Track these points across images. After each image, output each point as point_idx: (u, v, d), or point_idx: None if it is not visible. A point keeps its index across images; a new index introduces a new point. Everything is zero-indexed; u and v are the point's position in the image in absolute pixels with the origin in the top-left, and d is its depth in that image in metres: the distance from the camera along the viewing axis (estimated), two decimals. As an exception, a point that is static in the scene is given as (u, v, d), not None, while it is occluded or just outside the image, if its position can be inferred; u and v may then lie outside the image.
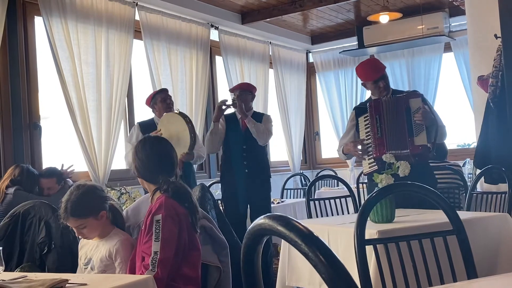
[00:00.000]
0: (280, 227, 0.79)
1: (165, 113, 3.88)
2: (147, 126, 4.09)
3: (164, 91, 4.24)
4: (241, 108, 4.22)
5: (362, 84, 3.53)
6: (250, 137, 4.23)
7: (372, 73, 3.43)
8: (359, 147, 3.29)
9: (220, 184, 4.38)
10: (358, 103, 7.35)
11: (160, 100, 4.15)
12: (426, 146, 3.13)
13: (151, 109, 4.18)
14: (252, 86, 4.51)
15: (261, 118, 4.37)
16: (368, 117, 3.27)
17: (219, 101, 4.43)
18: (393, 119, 3.21)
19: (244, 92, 4.31)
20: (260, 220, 0.85)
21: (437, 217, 2.32)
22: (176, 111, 3.77)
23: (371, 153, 3.22)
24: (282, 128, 7.22)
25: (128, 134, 4.37)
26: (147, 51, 5.16)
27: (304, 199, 4.53)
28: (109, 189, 3.30)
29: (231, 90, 4.41)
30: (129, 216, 2.35)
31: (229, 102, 4.24)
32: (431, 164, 3.37)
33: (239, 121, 4.33)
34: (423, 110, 3.15)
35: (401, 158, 3.00)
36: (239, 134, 4.25)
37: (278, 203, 4.84)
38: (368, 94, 7.08)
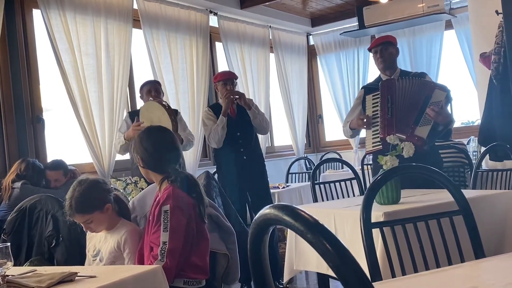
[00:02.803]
0: (286, 217, 0.79)
1: (143, 104, 3.89)
2: (135, 115, 4.10)
3: (150, 83, 4.23)
4: (246, 99, 4.18)
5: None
6: (242, 123, 4.18)
7: (375, 40, 3.42)
8: (365, 120, 3.26)
9: (217, 174, 4.35)
10: (360, 85, 7.41)
11: (146, 91, 4.17)
12: (422, 139, 3.06)
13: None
14: (234, 73, 4.44)
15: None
16: (378, 96, 3.24)
17: (217, 90, 4.35)
18: (408, 101, 3.16)
19: (232, 81, 4.24)
20: (266, 210, 0.84)
21: (443, 197, 2.32)
22: (151, 99, 3.81)
23: (376, 132, 3.20)
24: (285, 112, 7.21)
25: None
26: (147, 40, 5.14)
27: (309, 183, 4.53)
28: (114, 179, 3.31)
29: (224, 79, 4.25)
30: (135, 207, 2.36)
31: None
32: (435, 144, 3.35)
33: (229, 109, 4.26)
34: (440, 109, 3.05)
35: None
36: (231, 122, 4.17)
37: (283, 187, 4.84)
38: (372, 74, 7.07)
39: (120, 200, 2.32)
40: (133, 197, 2.78)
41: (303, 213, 0.77)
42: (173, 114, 3.64)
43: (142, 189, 3.10)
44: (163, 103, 3.69)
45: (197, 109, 5.55)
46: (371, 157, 4.40)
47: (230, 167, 4.20)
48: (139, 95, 4.25)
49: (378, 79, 3.48)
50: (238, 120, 4.21)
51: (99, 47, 4.61)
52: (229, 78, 4.24)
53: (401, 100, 3.16)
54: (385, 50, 3.36)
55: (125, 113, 4.65)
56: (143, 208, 2.32)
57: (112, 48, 4.72)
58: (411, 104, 3.15)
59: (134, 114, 4.14)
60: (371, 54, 3.49)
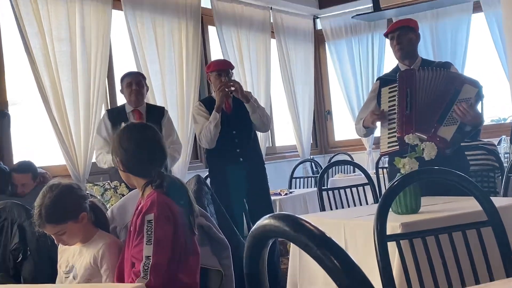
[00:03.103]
0: (287, 228, 0.79)
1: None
2: (117, 114, 4.09)
3: (131, 75, 4.23)
4: (243, 91, 4.18)
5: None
6: (239, 119, 4.18)
7: (393, 25, 3.43)
8: (379, 115, 3.26)
9: (209, 178, 4.35)
10: (375, 76, 7.42)
11: (126, 85, 4.17)
12: (446, 141, 3.06)
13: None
14: (230, 63, 4.45)
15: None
16: (395, 89, 3.24)
17: (211, 81, 4.35)
18: (431, 96, 3.15)
19: (228, 72, 4.23)
20: (265, 221, 0.85)
21: (469, 205, 2.32)
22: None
23: (393, 131, 3.20)
24: (288, 108, 7.22)
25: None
26: (128, 23, 5.14)
27: (315, 188, 4.53)
28: (90, 184, 3.31)
29: (218, 69, 4.22)
30: (114, 216, 2.36)
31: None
32: (461, 144, 3.36)
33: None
34: (469, 107, 3.03)
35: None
36: (226, 118, 4.16)
37: (286, 194, 4.85)
38: (388, 64, 7.07)
39: (97, 208, 2.31)
40: (112, 205, 2.78)
41: (307, 224, 0.78)
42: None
43: (123, 195, 3.10)
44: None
45: (186, 104, 5.55)
46: (386, 159, 4.40)
47: (225, 171, 4.20)
48: (119, 88, 4.26)
49: (396, 69, 3.48)
50: (233, 116, 4.21)
51: (73, 31, 4.61)
52: (223, 68, 4.24)
53: (422, 94, 3.16)
54: (403, 36, 3.36)
55: (103, 110, 4.65)
56: (124, 217, 2.32)
57: (89, 33, 4.72)
58: (434, 100, 3.15)
59: (114, 113, 4.14)
60: (387, 41, 3.50)
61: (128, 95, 4.17)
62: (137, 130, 2.21)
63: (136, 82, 4.17)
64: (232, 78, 4.28)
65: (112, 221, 2.36)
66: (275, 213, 0.85)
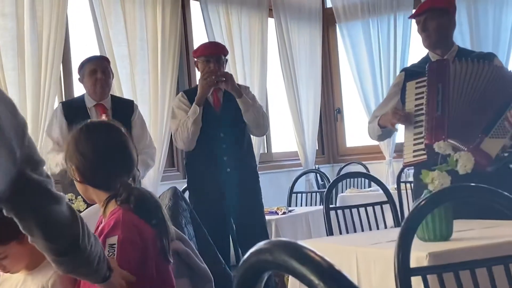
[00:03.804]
0: (288, 259, 0.79)
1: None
2: (74, 109, 4.08)
3: (94, 60, 4.24)
4: (234, 83, 4.19)
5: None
6: (229, 119, 4.19)
7: (421, 5, 3.45)
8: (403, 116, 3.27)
9: (188, 191, 4.35)
10: (398, 67, 7.44)
11: (88, 72, 4.16)
12: (489, 157, 3.07)
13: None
14: (225, 47, 4.50)
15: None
16: (423, 84, 3.25)
17: (199, 69, 4.36)
18: (471, 95, 3.16)
19: (220, 57, 4.26)
20: (258, 249, 0.85)
21: (513, 232, 2.34)
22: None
23: (420, 136, 3.21)
24: (289, 105, 7.23)
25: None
26: (91, -4, 5.14)
27: (321, 206, 4.53)
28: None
29: (204, 54, 4.25)
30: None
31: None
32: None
33: (210, 97, 4.25)
34: None
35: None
36: (212, 116, 4.19)
37: (284, 213, 4.85)
38: (415, 52, 7.09)
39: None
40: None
41: (311, 253, 0.78)
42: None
43: (79, 212, 3.09)
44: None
45: (161, 98, 5.55)
46: (411, 171, 4.41)
47: (207, 182, 4.20)
48: (78, 77, 4.25)
49: (426, 59, 3.50)
50: (223, 115, 4.22)
51: (20, 4, 4.60)
52: (213, 53, 4.27)
53: (458, 93, 3.17)
54: (431, 20, 3.37)
55: (56, 102, 4.64)
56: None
57: (40, 7, 4.71)
58: (477, 102, 3.15)
59: (70, 107, 4.13)
60: (415, 23, 3.52)
61: (91, 85, 4.15)
62: (99, 131, 2.21)
63: (101, 70, 4.16)
64: (227, 69, 4.30)
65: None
66: (272, 239, 0.85)
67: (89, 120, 2.35)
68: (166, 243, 2.10)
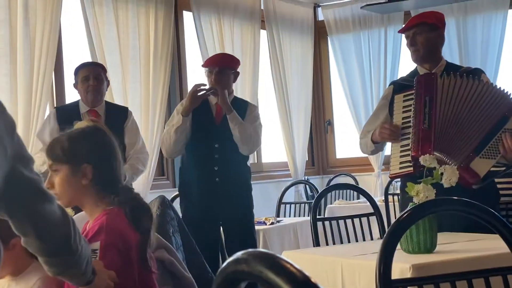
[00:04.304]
0: (264, 269, 0.79)
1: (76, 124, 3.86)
2: (68, 113, 4.07)
3: (88, 66, 4.25)
4: (224, 97, 4.18)
5: None
6: (225, 132, 4.19)
7: (410, 20, 3.46)
8: (392, 129, 3.27)
9: (180, 198, 4.35)
10: (388, 79, 7.45)
11: (81, 79, 4.17)
12: (477, 177, 3.07)
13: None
14: (235, 59, 4.49)
15: (244, 109, 4.30)
16: (411, 96, 3.25)
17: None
18: (460, 111, 3.16)
19: (224, 70, 4.25)
20: (237, 259, 0.85)
21: (496, 246, 2.34)
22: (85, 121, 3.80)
23: (407, 148, 3.21)
24: (280, 116, 7.23)
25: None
26: (84, 4, 5.13)
27: (309, 217, 4.53)
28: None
29: (207, 65, 4.31)
30: (54, 245, 2.34)
31: (206, 86, 4.19)
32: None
33: (213, 107, 4.27)
34: None
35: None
36: (211, 126, 4.20)
37: (272, 223, 4.84)
38: (405, 66, 7.11)
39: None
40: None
41: (288, 265, 0.78)
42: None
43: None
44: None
45: (152, 106, 5.54)
46: (399, 184, 4.41)
47: (197, 192, 4.20)
48: (73, 82, 4.24)
49: (414, 72, 3.51)
50: (221, 127, 4.22)
51: (14, 11, 4.60)
52: (216, 64, 4.25)
53: (446, 105, 3.18)
54: (419, 34, 3.39)
55: (48, 109, 4.63)
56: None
57: (34, 14, 4.71)
58: (466, 116, 3.15)
59: (64, 112, 4.12)
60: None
61: (83, 91, 4.17)
62: (101, 134, 2.23)
63: (94, 76, 4.16)
64: (234, 80, 4.30)
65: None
66: (250, 249, 0.85)
67: (78, 122, 2.37)
68: (147, 252, 2.10)
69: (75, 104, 4.25)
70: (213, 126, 4.21)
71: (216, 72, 4.20)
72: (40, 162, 3.96)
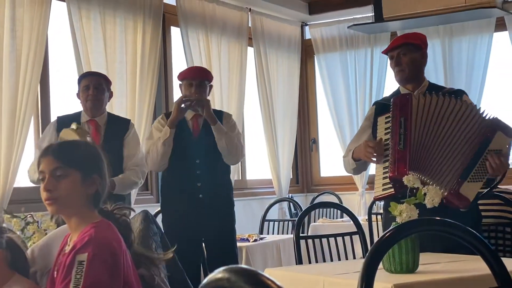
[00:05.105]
0: (245, 285, 0.79)
1: (62, 131, 3.85)
2: (68, 123, 4.06)
3: (89, 76, 4.27)
4: (210, 108, 4.19)
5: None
6: (206, 146, 4.20)
7: (393, 41, 3.49)
8: (375, 147, 3.29)
9: (162, 214, 4.34)
10: (373, 99, 7.48)
11: (82, 87, 4.19)
12: (467, 201, 3.08)
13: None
14: (209, 72, 4.51)
15: (220, 119, 4.29)
16: (390, 118, 3.28)
17: (173, 92, 4.38)
18: (437, 129, 3.17)
19: (203, 82, 4.26)
20: (218, 275, 0.85)
21: (478, 267, 2.34)
22: (73, 127, 3.79)
23: (387, 170, 3.23)
24: (265, 134, 7.24)
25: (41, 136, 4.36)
26: (71, 17, 5.13)
27: (292, 235, 4.53)
28: (8, 216, 3.26)
29: (187, 77, 4.26)
30: (35, 258, 2.34)
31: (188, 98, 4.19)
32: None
33: (189, 122, 4.27)
34: (501, 160, 3.07)
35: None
36: (190, 142, 4.19)
37: (255, 240, 4.84)
38: (391, 85, 7.15)
39: (15, 246, 2.29)
40: (34, 243, 2.75)
41: (269, 281, 0.78)
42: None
43: (47, 232, 3.07)
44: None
45: (137, 120, 5.53)
46: (382, 203, 4.43)
47: (180, 208, 4.19)
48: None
49: (396, 92, 3.53)
50: (200, 141, 4.21)
51: (1, 23, 4.59)
52: (196, 77, 4.26)
53: (421, 125, 3.19)
54: (404, 55, 3.42)
55: (32, 122, 4.61)
56: (47, 259, 2.30)
57: (21, 27, 4.70)
58: (445, 136, 3.17)
59: (65, 122, 4.11)
60: None
61: (83, 100, 4.18)
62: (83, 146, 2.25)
63: (95, 86, 4.18)
64: (209, 93, 4.30)
65: (33, 263, 2.33)
66: (231, 266, 0.85)
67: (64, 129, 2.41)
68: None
69: (78, 114, 4.26)
70: (192, 141, 4.20)
71: (197, 85, 4.20)
72: (33, 170, 3.97)
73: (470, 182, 3.11)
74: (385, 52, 3.52)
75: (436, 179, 3.12)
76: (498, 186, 4.17)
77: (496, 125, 3.17)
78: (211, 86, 4.37)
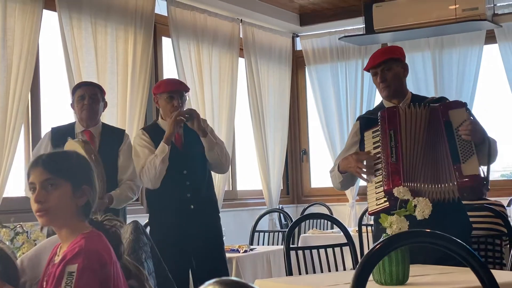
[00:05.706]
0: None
1: (68, 142, 3.81)
2: (62, 134, 4.06)
3: (84, 86, 4.26)
4: (199, 122, 4.18)
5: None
6: (192, 157, 4.19)
7: (374, 57, 3.50)
8: (364, 161, 3.31)
9: (150, 226, 4.32)
10: (364, 109, 7.49)
11: (77, 98, 4.19)
12: (478, 176, 3.14)
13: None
14: (184, 83, 4.53)
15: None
16: (378, 132, 3.30)
17: (159, 106, 4.36)
18: (422, 137, 3.23)
19: (182, 94, 4.24)
20: (208, 287, 0.85)
21: (466, 279, 2.35)
22: (79, 139, 3.78)
23: (381, 184, 3.24)
24: (256, 144, 7.24)
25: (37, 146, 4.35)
26: (62, 27, 5.13)
27: (283, 246, 4.53)
28: (-2, 226, 3.26)
29: (168, 90, 4.19)
30: (25, 268, 2.33)
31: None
32: (463, 202, 3.41)
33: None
34: (471, 125, 3.18)
35: (441, 194, 3.12)
36: (176, 154, 4.15)
37: (245, 251, 4.83)
38: (379, 98, 7.19)
39: (5, 256, 2.28)
40: (23, 254, 2.74)
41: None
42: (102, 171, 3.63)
43: (37, 242, 3.06)
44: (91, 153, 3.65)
45: (128, 131, 5.51)
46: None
47: (170, 218, 4.18)
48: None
49: (380, 106, 3.55)
50: (186, 152, 4.21)
51: (-9, 32, 4.59)
52: (176, 89, 4.25)
53: (410, 135, 3.23)
54: (388, 70, 3.43)
55: (22, 131, 4.60)
56: (36, 270, 2.29)
57: (12, 36, 4.70)
58: (430, 140, 3.22)
59: (59, 133, 4.10)
60: None
61: (78, 110, 4.18)
62: (73, 157, 2.25)
63: (90, 95, 4.17)
64: (187, 105, 4.29)
65: (22, 274, 2.32)
66: (222, 278, 0.85)
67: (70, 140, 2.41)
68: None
69: (71, 125, 4.26)
70: (178, 153, 4.18)
71: (178, 97, 4.19)
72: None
73: (465, 162, 3.16)
74: (367, 69, 3.53)
75: (435, 181, 3.16)
76: (488, 198, 4.21)
77: (444, 107, 3.29)
78: (186, 98, 4.36)
